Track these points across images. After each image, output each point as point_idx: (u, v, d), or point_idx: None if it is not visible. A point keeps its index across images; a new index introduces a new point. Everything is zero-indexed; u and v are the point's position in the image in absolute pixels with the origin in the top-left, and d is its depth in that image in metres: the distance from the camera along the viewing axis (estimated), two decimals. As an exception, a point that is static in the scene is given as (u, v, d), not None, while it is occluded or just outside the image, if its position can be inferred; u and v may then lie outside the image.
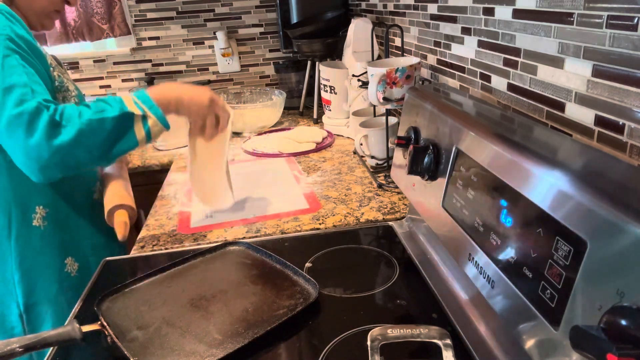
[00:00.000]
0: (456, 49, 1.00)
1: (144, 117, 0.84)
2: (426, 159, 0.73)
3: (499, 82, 0.85)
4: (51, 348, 0.66)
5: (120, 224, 0.97)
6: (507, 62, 0.81)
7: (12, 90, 0.80)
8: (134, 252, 0.93)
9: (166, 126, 0.87)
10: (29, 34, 0.89)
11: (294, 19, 1.78)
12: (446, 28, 1.04)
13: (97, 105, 0.83)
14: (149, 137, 0.85)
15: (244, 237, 0.94)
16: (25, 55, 0.85)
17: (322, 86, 1.56)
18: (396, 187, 1.09)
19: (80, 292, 0.81)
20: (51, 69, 0.93)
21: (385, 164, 1.19)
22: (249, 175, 1.25)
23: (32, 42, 0.88)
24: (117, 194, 1.04)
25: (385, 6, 1.45)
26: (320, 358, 0.61)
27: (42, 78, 0.86)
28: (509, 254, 0.51)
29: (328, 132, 1.54)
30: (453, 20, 0.99)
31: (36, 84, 0.83)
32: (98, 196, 1.07)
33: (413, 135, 0.80)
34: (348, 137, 1.51)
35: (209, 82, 2.10)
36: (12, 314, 0.97)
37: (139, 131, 0.84)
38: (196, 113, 0.91)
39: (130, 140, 0.84)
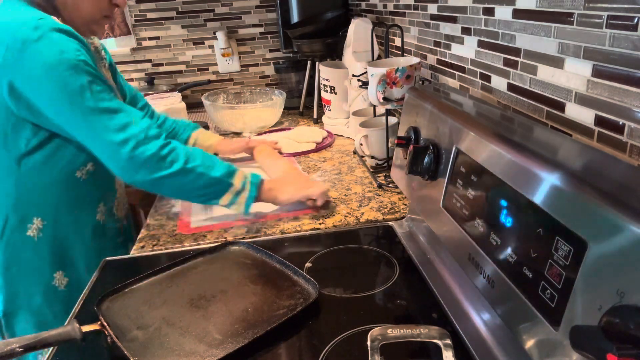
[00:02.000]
0: (456, 49, 1.00)
1: (238, 192, 0.92)
2: (426, 159, 0.73)
3: (499, 82, 0.85)
4: (51, 348, 0.66)
5: None
6: (507, 62, 0.81)
7: (111, 114, 0.84)
8: (134, 252, 0.93)
9: (246, 213, 0.95)
10: (89, 51, 0.88)
11: (294, 19, 1.78)
12: (446, 28, 1.04)
13: (209, 160, 0.91)
14: (228, 206, 0.93)
15: (244, 237, 0.94)
16: (102, 79, 0.87)
17: (322, 86, 1.56)
18: (396, 187, 1.09)
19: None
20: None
21: (385, 164, 1.19)
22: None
23: (94, 62, 0.88)
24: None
25: (385, 6, 1.45)
26: (320, 358, 0.61)
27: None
28: (509, 254, 0.51)
29: (328, 132, 1.54)
30: (453, 20, 0.99)
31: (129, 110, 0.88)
32: (100, 217, 1.04)
33: (413, 135, 0.80)
34: (348, 137, 1.51)
35: (209, 82, 2.10)
36: None
37: (225, 200, 0.92)
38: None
39: (212, 201, 0.93)
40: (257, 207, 1.05)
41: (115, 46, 2.12)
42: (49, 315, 0.98)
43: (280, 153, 1.37)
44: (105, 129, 0.84)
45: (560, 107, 0.69)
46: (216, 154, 1.28)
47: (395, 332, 0.53)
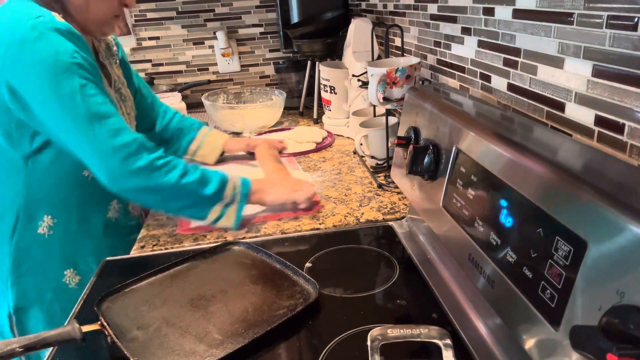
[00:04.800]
0: (456, 49, 1.00)
1: (227, 205, 0.90)
2: (426, 159, 0.73)
3: (499, 82, 0.85)
4: (51, 348, 0.66)
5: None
6: (507, 62, 0.81)
7: (102, 119, 0.82)
8: (134, 252, 0.93)
9: (234, 228, 0.93)
10: (88, 52, 0.87)
11: (294, 19, 1.78)
12: (446, 28, 1.04)
13: (203, 175, 0.89)
14: (213, 224, 0.91)
15: (244, 237, 0.94)
16: (97, 82, 0.85)
17: (322, 86, 1.56)
18: (396, 187, 1.09)
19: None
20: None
21: (385, 164, 1.19)
22: (249, 175, 1.25)
23: (94, 63, 0.87)
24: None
25: (385, 6, 1.45)
26: (320, 358, 0.61)
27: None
28: (509, 254, 0.51)
29: (328, 132, 1.54)
30: (453, 20, 0.99)
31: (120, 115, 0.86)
32: (113, 214, 1.05)
33: (413, 135, 0.80)
34: (348, 137, 1.51)
35: (209, 82, 2.10)
36: (2, 313, 0.97)
37: (212, 215, 0.90)
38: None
39: (198, 215, 0.91)
40: (257, 208, 1.05)
41: (115, 46, 2.12)
42: (57, 312, 0.98)
43: (280, 152, 1.37)
44: (95, 136, 0.82)
45: (560, 107, 0.69)
46: (223, 153, 1.29)
47: (395, 332, 0.53)
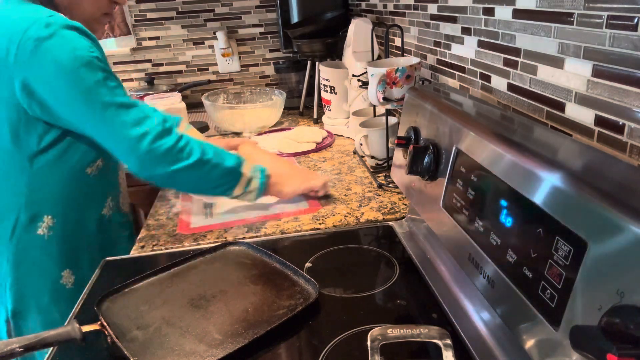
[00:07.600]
0: (456, 49, 1.00)
1: (249, 180, 0.94)
2: (426, 159, 0.73)
3: (499, 82, 0.85)
4: (51, 348, 0.66)
5: None
6: (507, 62, 0.81)
7: (128, 109, 0.85)
8: (134, 252, 0.93)
9: (258, 196, 0.97)
10: (101, 49, 0.88)
11: (294, 19, 1.78)
12: (446, 28, 1.04)
13: (220, 151, 0.93)
14: (240, 196, 0.95)
15: (244, 237, 0.94)
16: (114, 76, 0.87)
17: (322, 86, 1.56)
18: (396, 187, 1.09)
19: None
20: None
21: (385, 164, 1.19)
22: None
23: (106, 59, 0.89)
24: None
25: (385, 6, 1.45)
26: (320, 358, 0.61)
27: None
28: (509, 254, 0.51)
29: (328, 132, 1.54)
30: (453, 20, 0.99)
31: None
32: (107, 211, 1.04)
33: (413, 135, 0.80)
34: (348, 137, 1.51)
35: (209, 82, 2.10)
36: (0, 317, 0.97)
37: (238, 190, 0.94)
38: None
39: (227, 193, 0.95)
40: (257, 208, 1.05)
41: (115, 46, 2.11)
42: (56, 314, 0.97)
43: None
44: (122, 124, 0.84)
45: (560, 107, 0.69)
46: None
47: (395, 332, 0.53)
